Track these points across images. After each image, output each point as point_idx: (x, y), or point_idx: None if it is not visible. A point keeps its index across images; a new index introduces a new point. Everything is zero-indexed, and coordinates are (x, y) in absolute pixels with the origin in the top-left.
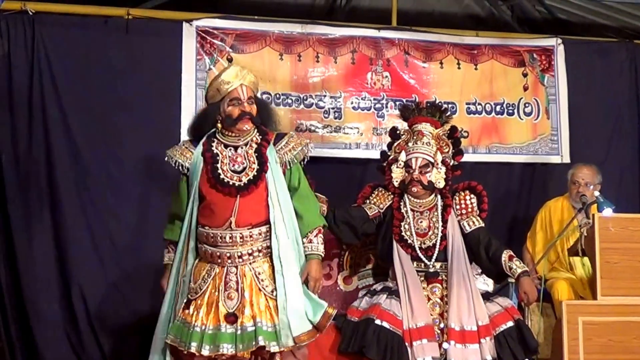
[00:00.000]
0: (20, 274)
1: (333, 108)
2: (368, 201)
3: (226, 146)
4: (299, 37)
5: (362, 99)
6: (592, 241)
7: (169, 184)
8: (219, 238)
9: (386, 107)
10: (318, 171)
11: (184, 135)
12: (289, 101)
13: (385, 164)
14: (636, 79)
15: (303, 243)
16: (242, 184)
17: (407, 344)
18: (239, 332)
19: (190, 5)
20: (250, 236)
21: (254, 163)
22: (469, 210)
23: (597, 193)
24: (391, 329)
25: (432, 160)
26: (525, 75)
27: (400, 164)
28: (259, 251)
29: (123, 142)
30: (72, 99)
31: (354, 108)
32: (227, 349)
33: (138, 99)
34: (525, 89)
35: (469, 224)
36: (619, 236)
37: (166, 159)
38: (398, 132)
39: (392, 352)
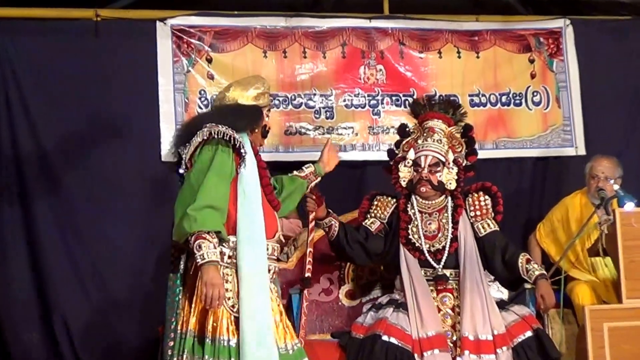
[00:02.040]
0: None
1: (324, 107)
2: (369, 215)
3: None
4: (283, 32)
5: (355, 95)
6: (614, 239)
7: (151, 198)
8: (270, 249)
9: (382, 103)
10: None
11: (164, 144)
12: (276, 102)
13: (392, 163)
14: None
15: None
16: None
17: (416, 355)
18: (290, 351)
19: (163, 3)
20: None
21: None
22: (484, 212)
23: (616, 187)
24: (400, 344)
25: (443, 159)
26: (532, 61)
27: (408, 162)
28: None
29: (99, 154)
30: (40, 109)
31: (346, 106)
32: None
33: (112, 107)
34: (533, 76)
35: (483, 227)
36: None
37: (232, 136)
38: (407, 129)
39: None
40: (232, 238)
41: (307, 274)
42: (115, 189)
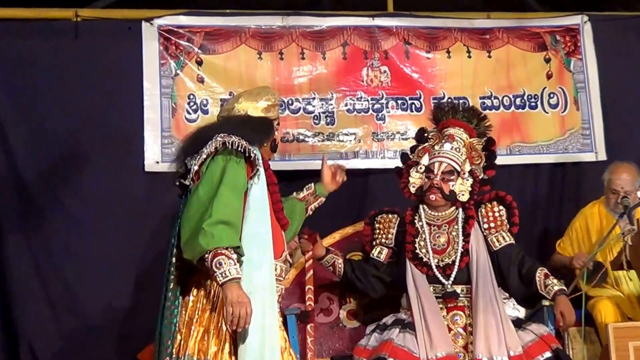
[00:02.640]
0: None
1: (324, 112)
2: (374, 244)
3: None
4: (279, 32)
5: (357, 99)
6: (639, 251)
7: (131, 214)
8: (278, 270)
9: (387, 107)
10: None
11: (148, 153)
12: None
13: (404, 167)
14: None
15: None
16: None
17: None
18: None
19: (149, 1)
20: None
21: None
22: (498, 224)
23: None
24: None
25: (459, 169)
26: (547, 60)
27: (420, 168)
28: None
29: (76, 166)
30: (13, 117)
31: (348, 111)
32: None
33: (92, 114)
34: (549, 76)
35: (497, 240)
36: None
37: (247, 147)
38: (426, 134)
39: None
40: None
41: (308, 309)
42: (92, 203)
